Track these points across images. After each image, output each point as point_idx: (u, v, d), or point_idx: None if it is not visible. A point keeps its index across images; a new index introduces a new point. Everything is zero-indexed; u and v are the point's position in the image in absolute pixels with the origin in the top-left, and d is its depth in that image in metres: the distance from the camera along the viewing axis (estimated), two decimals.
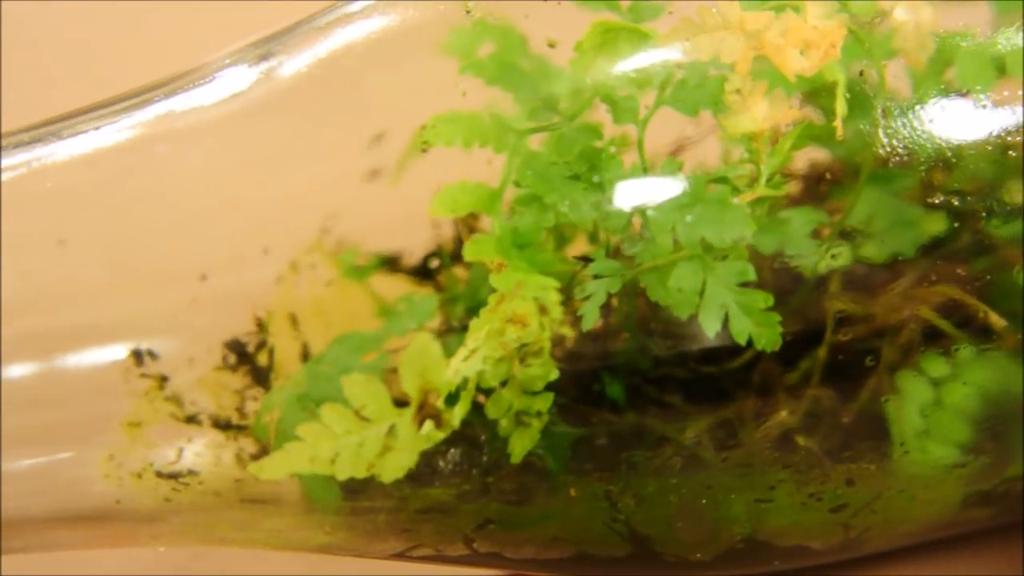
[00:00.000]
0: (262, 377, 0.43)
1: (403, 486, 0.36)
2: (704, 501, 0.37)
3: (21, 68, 0.67)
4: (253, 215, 0.43)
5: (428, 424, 0.33)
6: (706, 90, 0.34)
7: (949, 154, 0.44)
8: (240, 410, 0.41)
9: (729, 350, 0.41)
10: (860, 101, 0.40)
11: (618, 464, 0.37)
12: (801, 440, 0.41)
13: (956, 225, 0.46)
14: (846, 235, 0.44)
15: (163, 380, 0.41)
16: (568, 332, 0.36)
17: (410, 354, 0.32)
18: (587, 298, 0.36)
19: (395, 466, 0.33)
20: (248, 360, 0.43)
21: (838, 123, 0.35)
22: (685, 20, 0.34)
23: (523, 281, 0.33)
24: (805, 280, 0.44)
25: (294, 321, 0.43)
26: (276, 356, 0.43)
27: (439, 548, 0.38)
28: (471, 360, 0.34)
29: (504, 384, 0.36)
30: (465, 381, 0.34)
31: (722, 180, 0.34)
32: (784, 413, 0.42)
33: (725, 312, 0.33)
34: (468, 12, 0.39)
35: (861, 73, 0.40)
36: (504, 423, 0.36)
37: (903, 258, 0.44)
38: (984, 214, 0.46)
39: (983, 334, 0.43)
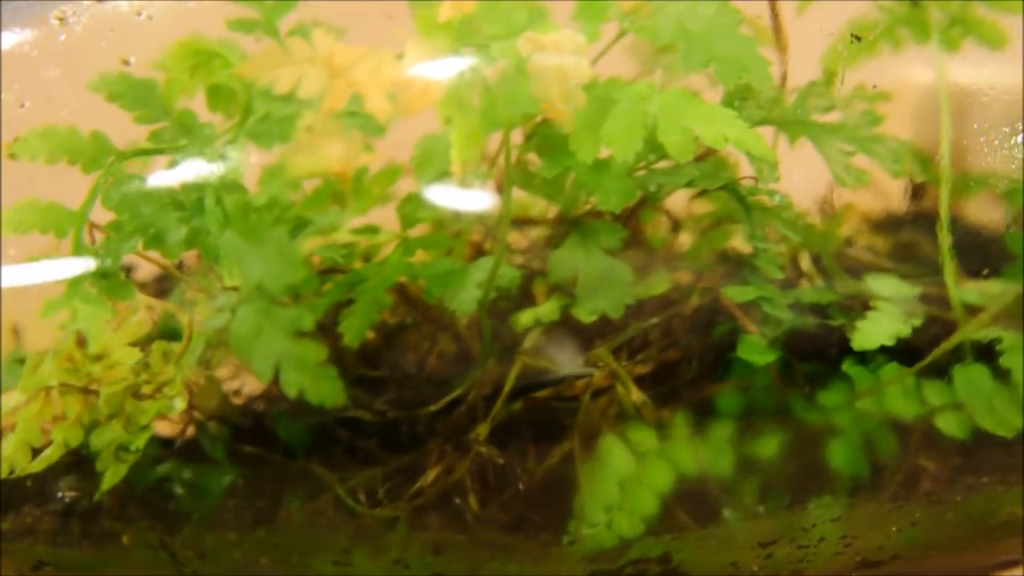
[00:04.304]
0: None
1: None
2: (264, 560, 0.34)
3: None
4: None
5: None
6: (284, 125, 0.32)
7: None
8: None
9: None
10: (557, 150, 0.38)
11: (170, 512, 0.35)
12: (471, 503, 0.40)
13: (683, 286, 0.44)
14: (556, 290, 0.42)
15: None
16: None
17: None
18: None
19: None
20: None
21: (456, 167, 0.32)
22: (271, 48, 0.31)
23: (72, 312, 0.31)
24: (502, 335, 0.42)
25: None
26: None
27: None
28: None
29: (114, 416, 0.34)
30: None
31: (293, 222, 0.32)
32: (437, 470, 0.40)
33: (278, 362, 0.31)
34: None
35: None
36: (104, 456, 0.34)
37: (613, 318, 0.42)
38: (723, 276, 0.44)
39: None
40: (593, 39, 0.37)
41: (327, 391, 0.30)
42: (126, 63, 0.32)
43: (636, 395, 0.36)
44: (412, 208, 0.34)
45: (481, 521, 0.38)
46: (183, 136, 0.32)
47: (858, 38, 0.36)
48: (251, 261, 0.30)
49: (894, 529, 0.38)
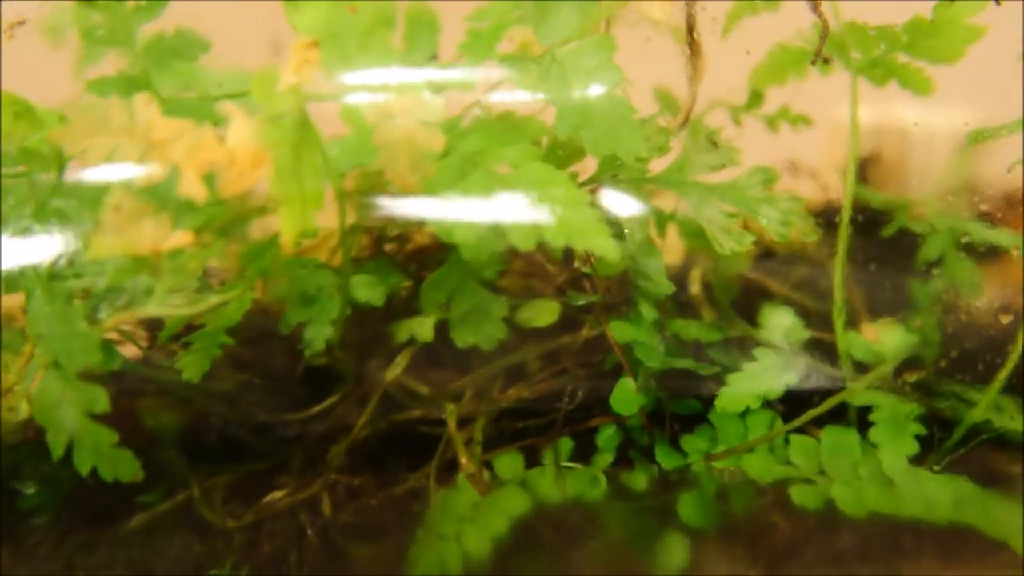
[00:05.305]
0: None
1: None
2: None
3: None
4: None
5: None
6: (88, 201, 0.31)
7: None
8: None
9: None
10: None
11: None
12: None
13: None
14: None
15: None
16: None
17: None
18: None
19: None
20: None
21: (286, 240, 0.31)
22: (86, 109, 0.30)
23: None
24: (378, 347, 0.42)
25: None
26: None
27: None
28: None
29: None
30: None
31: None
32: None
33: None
34: None
35: None
36: None
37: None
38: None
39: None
40: (467, 88, 0.35)
41: (122, 471, 0.30)
42: None
43: (465, 461, 0.35)
44: (254, 253, 0.33)
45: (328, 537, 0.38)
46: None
47: (715, 143, 0.34)
48: (51, 335, 0.29)
49: None
